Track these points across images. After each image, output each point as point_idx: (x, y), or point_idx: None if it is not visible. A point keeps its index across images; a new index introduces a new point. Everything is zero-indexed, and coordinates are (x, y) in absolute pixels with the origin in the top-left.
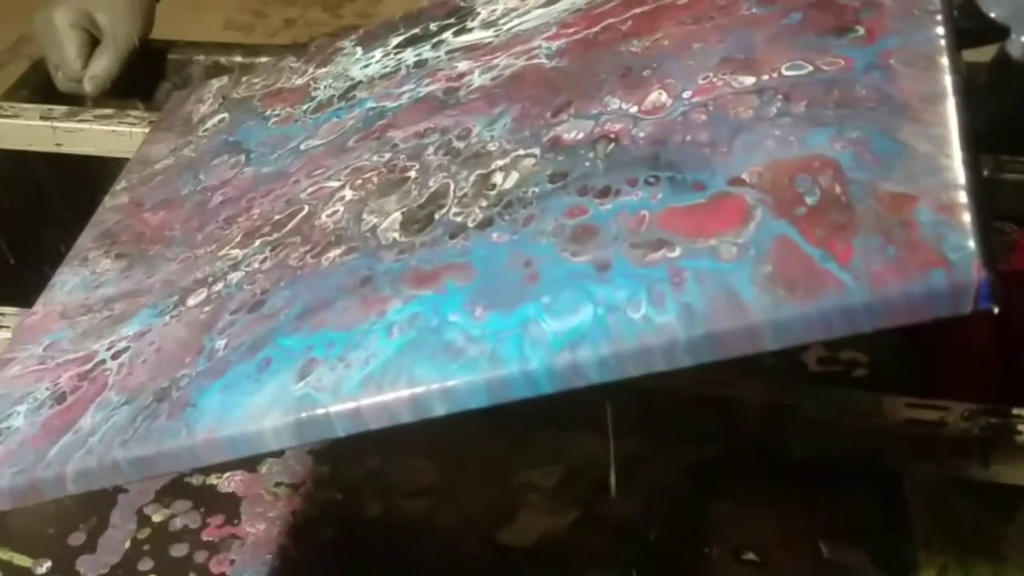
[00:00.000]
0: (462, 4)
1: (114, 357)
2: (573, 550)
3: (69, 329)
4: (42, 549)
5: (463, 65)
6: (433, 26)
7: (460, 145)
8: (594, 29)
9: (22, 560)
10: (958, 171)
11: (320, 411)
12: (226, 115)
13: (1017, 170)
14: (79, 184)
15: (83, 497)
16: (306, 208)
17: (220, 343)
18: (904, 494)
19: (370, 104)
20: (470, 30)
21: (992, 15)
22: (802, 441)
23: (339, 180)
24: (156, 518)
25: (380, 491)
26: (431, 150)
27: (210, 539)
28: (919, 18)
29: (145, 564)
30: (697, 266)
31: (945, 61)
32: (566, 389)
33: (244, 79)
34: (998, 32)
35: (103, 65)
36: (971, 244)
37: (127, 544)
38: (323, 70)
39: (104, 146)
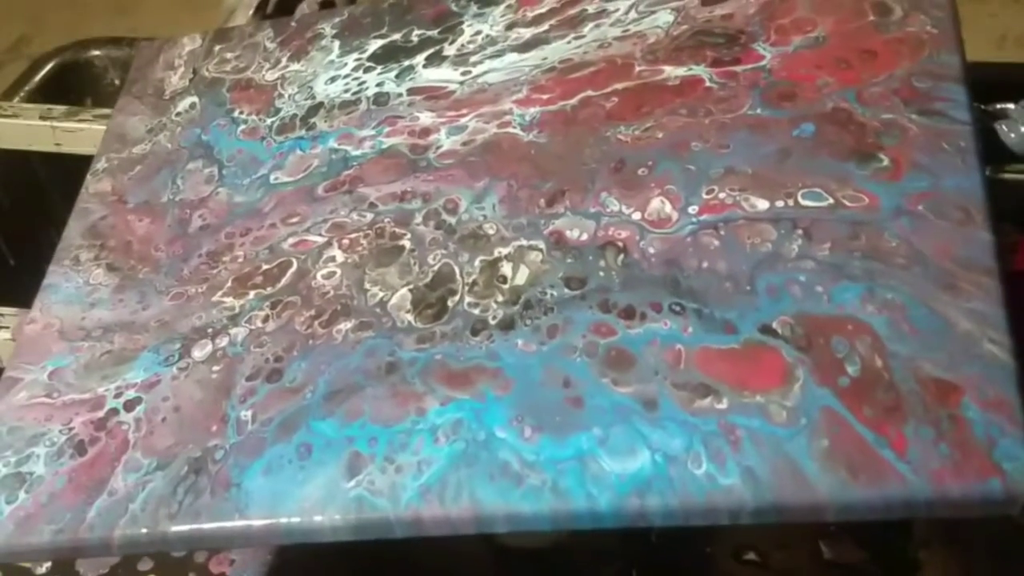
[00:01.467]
0: (454, 9)
1: (127, 409)
2: (573, 550)
3: (71, 355)
4: None
5: (425, 118)
6: (415, 36)
7: (451, 220)
8: (571, 101)
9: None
10: (1005, 361)
11: (380, 516)
12: (197, 100)
13: (1017, 170)
14: (79, 184)
15: None
16: (295, 263)
17: (245, 414)
18: None
19: (332, 143)
20: (444, 58)
21: (1010, 142)
22: None
23: (320, 235)
24: None
25: None
26: (419, 219)
27: None
28: (949, 155)
29: (145, 564)
30: (750, 425)
31: (982, 217)
32: (628, 527)
33: (216, 49)
34: (1015, 159)
35: None
36: None
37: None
38: (294, 67)
39: None
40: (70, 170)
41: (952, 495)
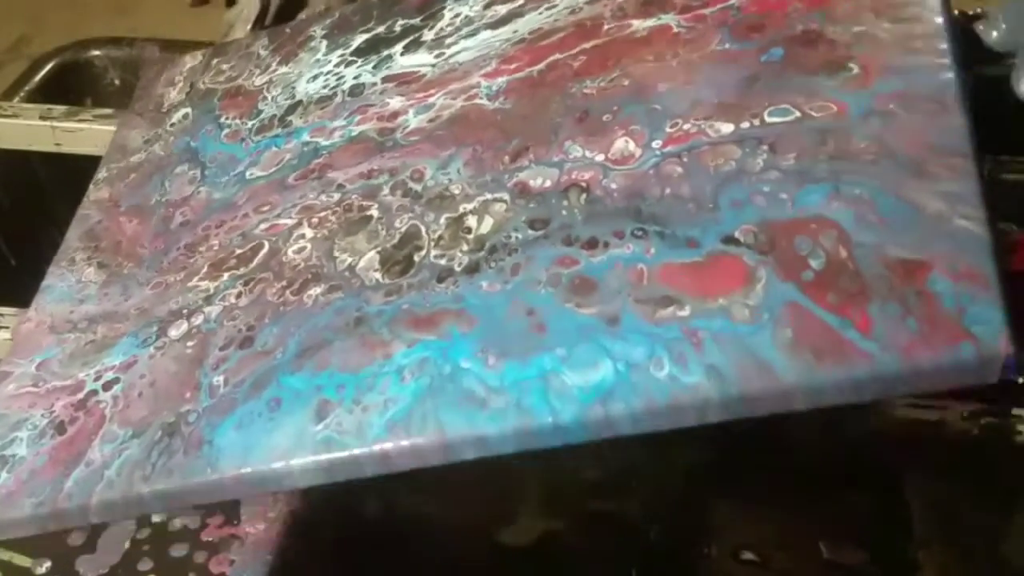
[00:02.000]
0: None
1: (105, 388)
2: (573, 550)
3: (57, 347)
4: (42, 549)
5: (395, 103)
6: (398, 27)
7: (417, 187)
8: (539, 66)
9: (22, 560)
10: (977, 233)
11: (348, 453)
12: (190, 111)
13: (1017, 170)
14: (79, 184)
15: None
16: (267, 244)
17: (218, 379)
18: (904, 494)
19: (304, 137)
20: (421, 44)
21: (990, 41)
22: (803, 441)
23: (291, 218)
24: (155, 518)
25: (380, 491)
26: (386, 190)
27: (210, 539)
28: (921, 55)
29: (145, 564)
30: (712, 327)
31: (956, 104)
32: (595, 439)
33: (214, 62)
34: (995, 57)
35: None
36: (997, 316)
37: (127, 544)
38: (283, 70)
39: (104, 146)
40: (70, 170)
41: (923, 366)
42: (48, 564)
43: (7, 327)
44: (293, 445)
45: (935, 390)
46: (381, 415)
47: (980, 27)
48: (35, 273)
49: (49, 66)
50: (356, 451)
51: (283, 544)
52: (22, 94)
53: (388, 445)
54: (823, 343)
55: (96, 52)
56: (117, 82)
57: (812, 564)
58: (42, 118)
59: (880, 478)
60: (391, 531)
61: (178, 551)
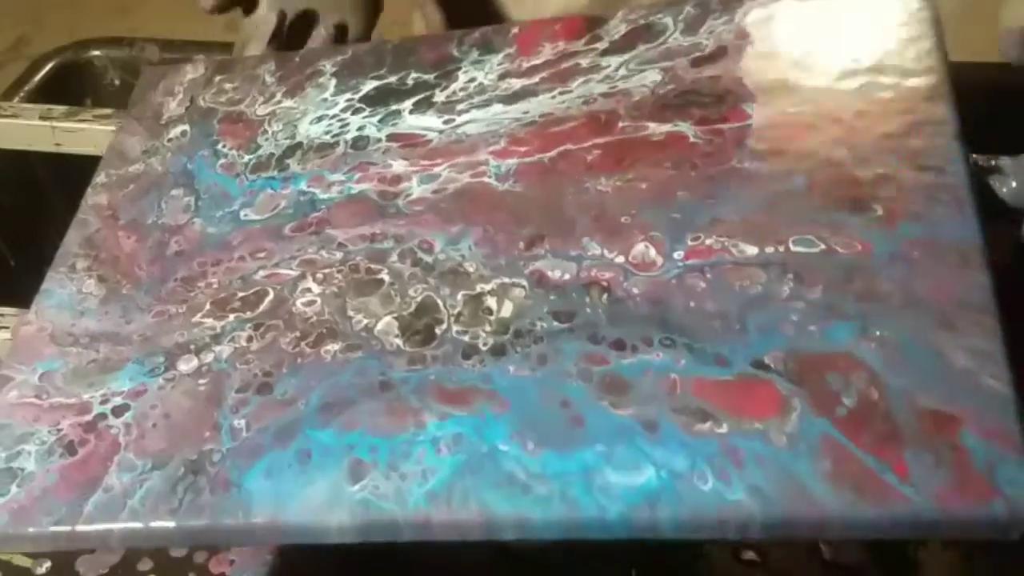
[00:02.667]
0: (455, 54)
1: (115, 414)
2: (573, 550)
3: (60, 360)
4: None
5: (398, 165)
6: (411, 80)
7: (428, 259)
8: (550, 153)
9: (22, 560)
10: (1005, 395)
11: (389, 517)
12: (188, 128)
13: None
14: (79, 184)
15: None
16: (271, 292)
17: (239, 422)
18: None
19: (302, 185)
20: (431, 105)
21: (1003, 195)
22: None
23: (292, 269)
24: None
25: None
26: (394, 257)
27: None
28: (944, 206)
29: (145, 564)
30: (752, 447)
31: (980, 260)
32: (634, 538)
33: (217, 79)
34: (1007, 212)
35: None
36: None
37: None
38: (287, 103)
39: (104, 146)
40: (70, 170)
41: (957, 515)
42: (48, 564)
43: (7, 327)
44: (330, 501)
45: (962, 537)
46: (420, 485)
47: (995, 181)
48: (35, 273)
49: (49, 66)
50: (397, 515)
51: (283, 545)
52: (22, 94)
53: (431, 515)
54: (863, 480)
55: (96, 52)
56: (117, 82)
57: (812, 564)
58: (42, 118)
59: None
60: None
61: (178, 551)
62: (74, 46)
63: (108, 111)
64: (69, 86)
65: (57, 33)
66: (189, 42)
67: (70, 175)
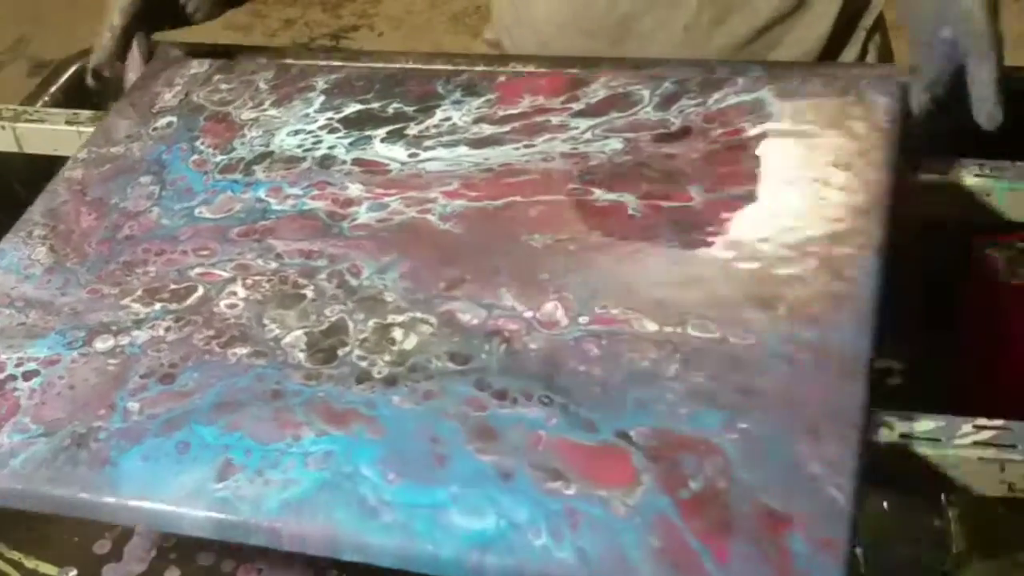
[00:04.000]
0: (440, 91)
1: (25, 378)
2: None
3: None
4: (68, 557)
5: (353, 189)
6: (391, 109)
7: (353, 282)
8: (496, 202)
9: (48, 568)
10: (843, 508)
11: (241, 519)
12: (175, 120)
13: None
14: None
15: None
16: (200, 288)
17: (134, 405)
18: (941, 504)
19: (260, 193)
20: (403, 137)
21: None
22: None
23: (226, 271)
24: None
25: None
26: (323, 275)
27: (237, 547)
28: (846, 316)
29: (172, 573)
30: (591, 512)
31: (863, 374)
32: None
33: (216, 78)
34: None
35: None
36: None
37: (153, 552)
38: (272, 112)
39: None
40: None
41: None
42: (74, 572)
43: None
44: (192, 494)
45: None
46: (279, 492)
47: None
48: None
49: (71, 70)
50: (249, 519)
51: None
52: (45, 99)
53: (279, 524)
54: (684, 562)
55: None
56: None
57: None
58: (68, 123)
59: (918, 488)
60: None
61: (205, 559)
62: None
63: None
64: (91, 90)
65: (56, 34)
66: (208, 46)
67: None
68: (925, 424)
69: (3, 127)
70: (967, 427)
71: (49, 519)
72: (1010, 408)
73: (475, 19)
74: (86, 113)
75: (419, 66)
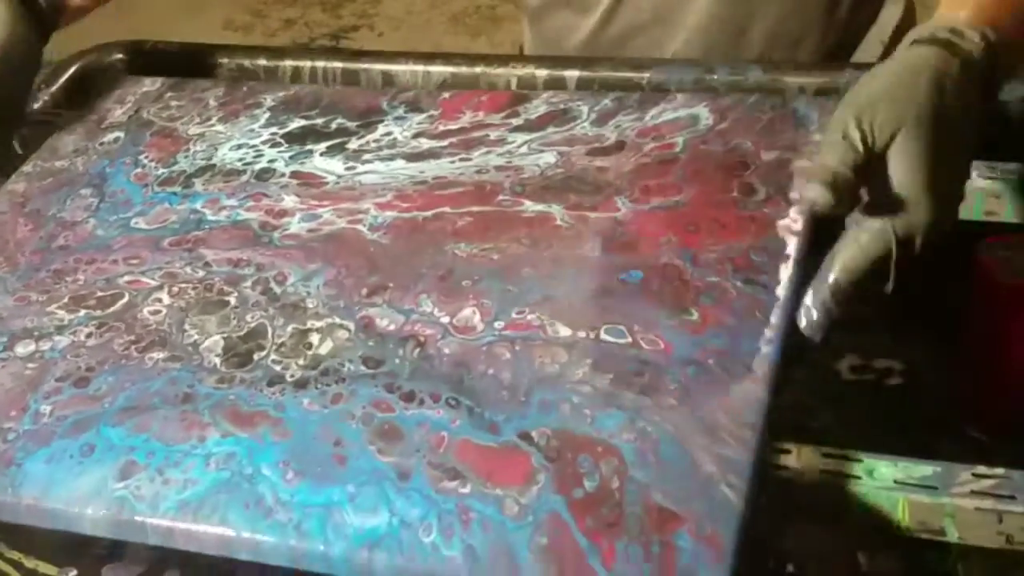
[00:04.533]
0: (384, 107)
1: None
2: None
3: None
4: (68, 558)
5: (289, 201)
6: (335, 124)
7: (277, 289)
8: (426, 213)
9: (48, 568)
10: (734, 505)
11: (136, 519)
12: (121, 135)
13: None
14: None
15: None
16: (126, 295)
17: (45, 408)
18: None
19: (197, 204)
20: (343, 151)
21: None
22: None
23: (154, 280)
24: None
25: None
26: (248, 283)
27: None
28: (756, 323)
29: (172, 572)
30: (484, 511)
31: (767, 377)
32: None
33: (167, 95)
34: None
35: None
36: None
37: (154, 552)
38: (218, 128)
39: None
40: None
41: None
42: (74, 573)
43: None
44: (91, 494)
45: None
46: (178, 493)
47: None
48: None
49: (71, 70)
50: (145, 519)
51: None
52: (45, 98)
53: (174, 523)
54: (570, 561)
55: (119, 56)
56: None
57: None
58: None
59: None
60: None
61: (205, 559)
62: (96, 50)
63: None
64: (91, 90)
65: (57, 33)
66: (205, 46)
67: None
68: (922, 470)
69: None
70: (965, 475)
71: None
72: (1010, 408)
73: (475, 19)
74: None
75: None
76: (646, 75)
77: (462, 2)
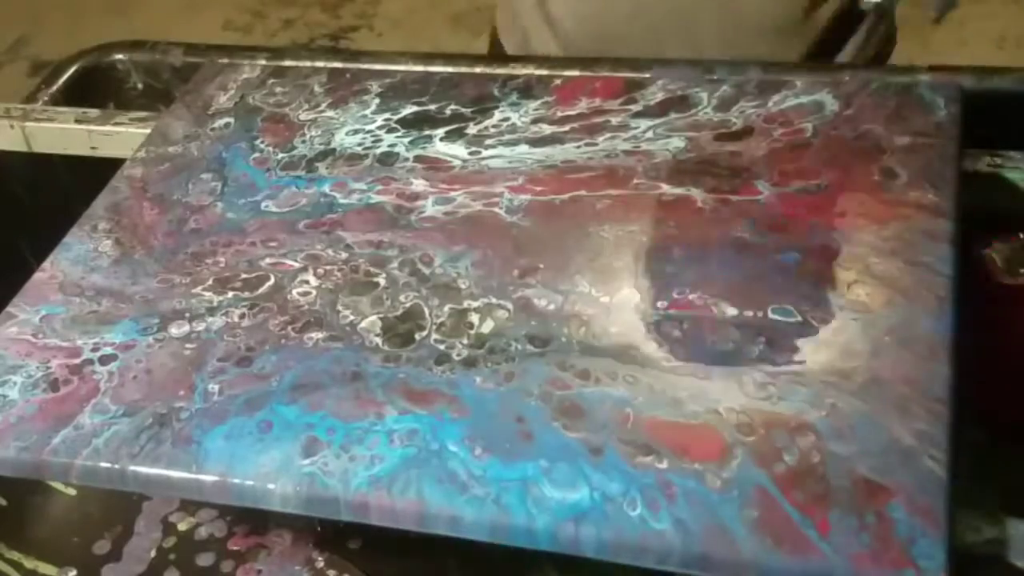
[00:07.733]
0: (496, 94)
1: (102, 362)
2: None
3: (63, 307)
4: (67, 557)
5: (418, 184)
6: (448, 111)
7: (425, 271)
8: (563, 196)
9: (47, 569)
10: (940, 477)
11: (331, 494)
12: (232, 121)
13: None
14: (101, 188)
15: (108, 504)
16: (272, 278)
17: (213, 387)
18: None
19: (325, 188)
20: (463, 136)
21: None
22: None
23: (296, 261)
24: (181, 527)
25: None
26: (394, 264)
27: (236, 548)
28: (925, 300)
29: (171, 573)
30: (686, 485)
31: (946, 354)
32: (559, 551)
33: (270, 82)
34: None
35: None
36: (941, 555)
37: (152, 553)
38: (329, 113)
39: None
40: (95, 175)
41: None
42: (74, 572)
43: None
44: (278, 470)
45: None
46: (367, 469)
47: None
48: None
49: (72, 70)
50: (339, 494)
51: (310, 554)
52: (45, 98)
53: (369, 498)
54: (784, 532)
55: (119, 56)
56: (140, 86)
57: None
58: (77, 121)
59: None
60: (416, 541)
61: (204, 560)
62: (96, 50)
63: (144, 114)
64: (92, 90)
65: (55, 34)
66: (211, 46)
67: (95, 180)
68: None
69: (12, 126)
70: None
71: (49, 520)
72: (1010, 408)
73: (475, 19)
74: (95, 112)
75: (474, 70)
76: (646, 75)
77: (462, 2)
